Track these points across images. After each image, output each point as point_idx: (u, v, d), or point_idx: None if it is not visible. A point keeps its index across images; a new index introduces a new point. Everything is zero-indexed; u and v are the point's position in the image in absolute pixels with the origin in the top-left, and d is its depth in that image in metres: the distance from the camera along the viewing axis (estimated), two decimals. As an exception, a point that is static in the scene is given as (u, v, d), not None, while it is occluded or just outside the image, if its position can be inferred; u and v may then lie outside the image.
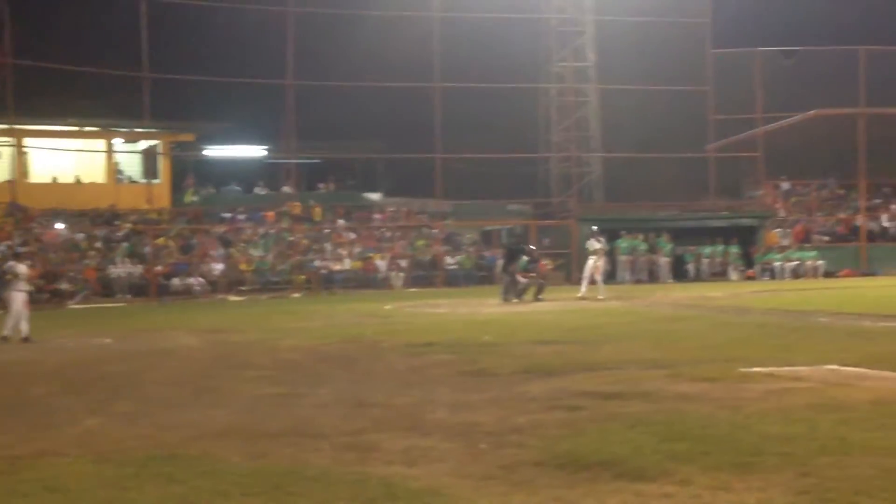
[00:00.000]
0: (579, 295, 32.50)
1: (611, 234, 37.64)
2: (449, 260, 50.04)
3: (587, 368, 13.16)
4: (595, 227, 35.43)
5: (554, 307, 28.63)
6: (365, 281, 47.46)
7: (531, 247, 35.81)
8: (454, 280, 48.40)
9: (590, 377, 12.31)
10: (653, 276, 48.49)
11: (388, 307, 31.10)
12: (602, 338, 17.90)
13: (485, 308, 29.36)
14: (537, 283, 33.02)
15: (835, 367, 12.53)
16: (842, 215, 54.69)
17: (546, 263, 35.18)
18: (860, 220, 53.32)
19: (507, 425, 9.20)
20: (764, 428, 8.46)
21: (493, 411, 10.05)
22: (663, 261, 48.75)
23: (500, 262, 36.77)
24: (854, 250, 52.09)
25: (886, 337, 16.42)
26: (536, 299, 31.82)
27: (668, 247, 48.95)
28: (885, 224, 54.66)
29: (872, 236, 53.06)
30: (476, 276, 49.10)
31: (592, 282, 33.08)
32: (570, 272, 48.20)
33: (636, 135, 54.47)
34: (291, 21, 49.69)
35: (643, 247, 48.55)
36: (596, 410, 9.82)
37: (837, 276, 47.70)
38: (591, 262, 33.50)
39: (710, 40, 53.14)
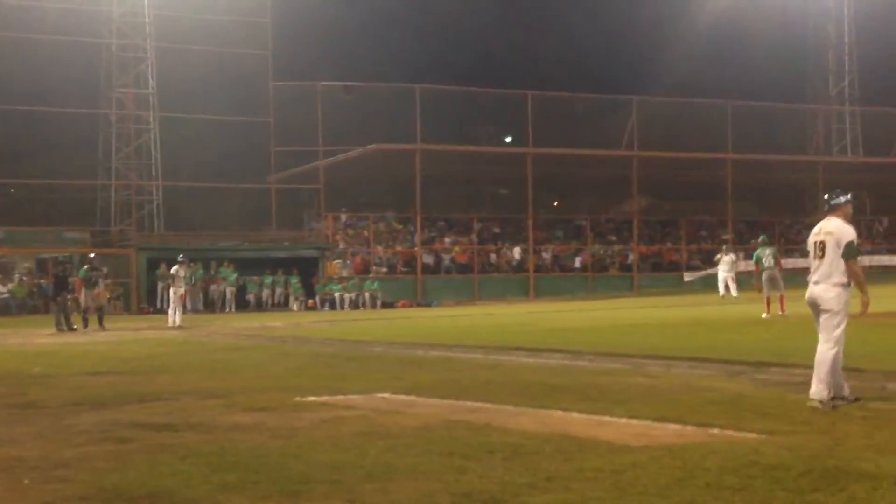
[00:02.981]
0: (178, 324, 32.65)
1: (169, 264, 37.39)
2: (0, 288, 47.80)
3: (140, 400, 12.84)
4: (182, 256, 35.17)
5: (110, 337, 27.93)
6: None
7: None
8: (6, 309, 46.25)
9: (143, 408, 12.01)
10: (213, 306, 48.31)
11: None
12: (158, 368, 17.58)
13: (37, 338, 28.24)
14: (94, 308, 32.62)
15: (386, 395, 12.81)
16: (399, 248, 56.47)
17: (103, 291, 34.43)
18: (417, 253, 55.27)
19: (54, 459, 8.79)
20: (314, 456, 8.50)
21: (40, 445, 9.59)
22: (227, 290, 48.66)
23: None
24: (411, 282, 53.90)
25: (436, 365, 16.98)
26: (101, 327, 31.43)
27: (232, 276, 48.88)
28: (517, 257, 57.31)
29: (428, 269, 55.10)
30: (30, 305, 47.20)
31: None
32: (129, 302, 47.31)
33: (199, 164, 54.14)
34: None
35: (201, 274, 48.19)
36: (147, 442, 9.56)
37: (395, 307, 49.15)
38: (172, 291, 33.67)
39: (272, 72, 53.69)
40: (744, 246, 60.89)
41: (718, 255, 44.37)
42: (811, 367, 13.92)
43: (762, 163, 61.40)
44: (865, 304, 11.09)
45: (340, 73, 58.11)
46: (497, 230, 60.72)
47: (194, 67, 52.25)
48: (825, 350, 10.82)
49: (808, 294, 11.24)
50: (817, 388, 10.73)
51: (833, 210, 11.38)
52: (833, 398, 10.69)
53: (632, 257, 59.93)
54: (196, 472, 7.98)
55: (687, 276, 56.30)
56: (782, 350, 17.10)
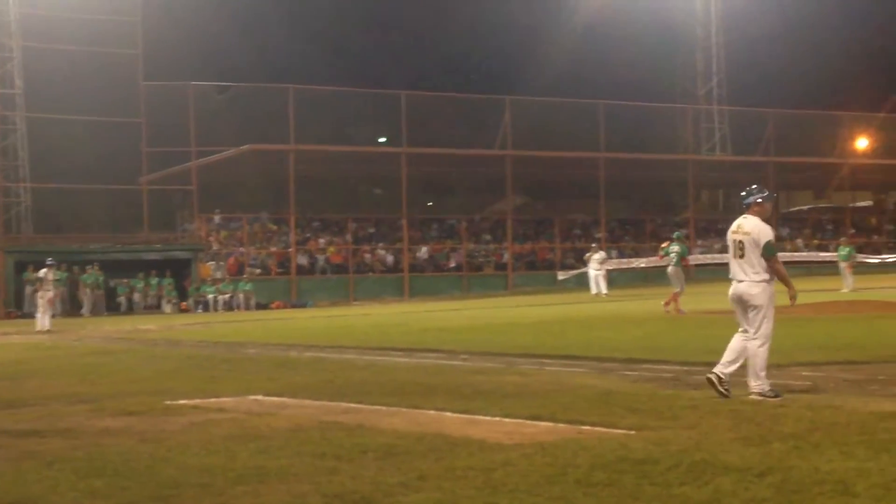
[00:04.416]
0: (47, 328, 32.27)
1: (37, 267, 36.76)
2: None
3: (7, 406, 12.57)
4: (51, 259, 34.61)
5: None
6: None
7: None
8: None
9: (9, 415, 11.76)
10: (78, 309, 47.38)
11: None
12: (25, 373, 17.23)
13: None
14: None
15: (259, 397, 12.73)
16: (274, 248, 56.08)
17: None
18: (292, 253, 54.94)
19: (-86, 470, 8.56)
20: (184, 460, 8.40)
21: None
22: (96, 293, 47.82)
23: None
24: (285, 283, 53.57)
25: (310, 366, 16.92)
26: None
27: (100, 278, 48.03)
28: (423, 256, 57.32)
29: (303, 269, 54.82)
30: None
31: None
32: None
33: (69, 165, 53.02)
34: None
35: (64, 277, 47.26)
36: (12, 449, 9.36)
37: (269, 308, 48.83)
38: (40, 295, 33.36)
39: (143, 72, 52.89)
40: (616, 244, 61.80)
41: (588, 254, 44.95)
42: (681, 363, 14.28)
43: (634, 162, 62.37)
44: (793, 297, 11.40)
45: (214, 73, 57.57)
46: (372, 230, 60.66)
47: (63, 67, 51.15)
48: (756, 346, 11.23)
49: (731, 291, 11.58)
50: (756, 383, 11.12)
51: (748, 208, 11.64)
52: (722, 381, 11.02)
53: (506, 256, 60.30)
54: (63, 479, 7.84)
55: (561, 275, 56.81)
56: (653, 347, 17.39)
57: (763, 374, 11.12)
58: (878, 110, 70.50)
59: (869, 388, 11.61)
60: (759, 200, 11.65)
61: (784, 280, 11.40)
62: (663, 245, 30.89)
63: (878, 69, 76.86)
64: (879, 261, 61.94)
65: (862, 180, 74.15)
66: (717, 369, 11.19)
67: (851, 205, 77.45)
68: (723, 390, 11.03)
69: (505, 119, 59.11)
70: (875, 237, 70.41)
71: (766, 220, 11.62)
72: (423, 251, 58.70)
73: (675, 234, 31.39)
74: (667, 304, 28.19)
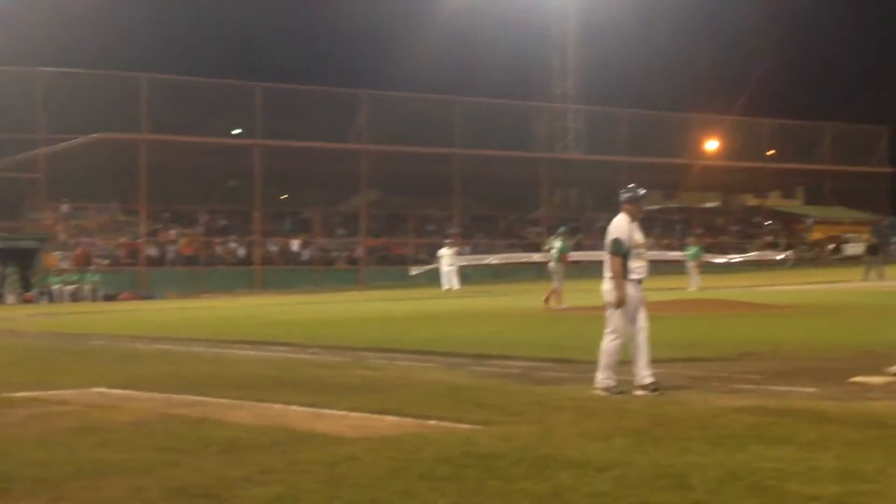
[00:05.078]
0: None
1: None
2: None
3: None
4: None
5: None
6: None
7: None
8: None
9: None
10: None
11: None
12: None
13: None
14: None
15: (102, 389, 12.48)
16: (123, 239, 55.15)
17: None
18: (141, 245, 54.11)
19: None
20: (21, 453, 8.19)
21: None
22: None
23: None
24: (134, 274, 52.73)
25: (156, 359, 16.71)
26: None
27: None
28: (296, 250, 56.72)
29: (153, 261, 54.01)
30: None
31: None
32: None
33: None
34: None
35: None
36: None
37: (117, 300, 48.00)
38: None
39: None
40: (469, 240, 62.16)
41: (441, 250, 45.18)
42: (529, 359, 14.37)
43: (488, 158, 62.72)
44: (618, 300, 11.34)
45: (63, 59, 56.24)
46: (225, 222, 60.06)
47: None
48: (606, 341, 11.21)
49: None
50: (600, 377, 11.16)
51: (621, 206, 11.69)
52: (646, 386, 11.06)
53: (359, 250, 60.24)
54: None
55: (413, 270, 56.98)
56: (503, 343, 17.52)
57: (609, 370, 11.22)
58: (728, 113, 72.34)
59: (710, 384, 11.83)
60: (628, 198, 11.70)
61: (615, 279, 11.39)
62: (548, 240, 31.10)
63: (729, 73, 78.90)
64: (725, 261, 63.46)
65: (711, 181, 75.93)
66: (636, 382, 11.23)
67: (700, 205, 79.26)
68: (651, 391, 11.04)
69: (361, 113, 59.04)
70: (722, 237, 72.14)
71: (638, 220, 11.66)
72: (296, 244, 58.48)
73: (560, 230, 31.48)
74: (546, 300, 28.35)
